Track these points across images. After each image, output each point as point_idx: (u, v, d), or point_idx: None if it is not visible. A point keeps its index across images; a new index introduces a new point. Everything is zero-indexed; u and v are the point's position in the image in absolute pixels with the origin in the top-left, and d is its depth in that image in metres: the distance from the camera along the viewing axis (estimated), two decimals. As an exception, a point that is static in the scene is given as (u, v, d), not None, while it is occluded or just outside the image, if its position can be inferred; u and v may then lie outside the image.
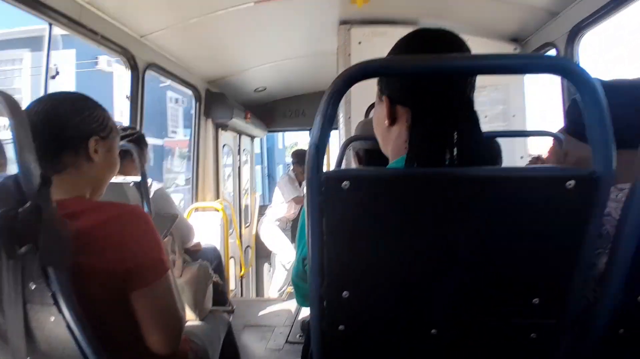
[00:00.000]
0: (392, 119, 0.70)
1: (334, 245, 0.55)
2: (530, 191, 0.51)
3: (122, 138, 1.62)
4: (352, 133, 2.31)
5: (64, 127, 0.82)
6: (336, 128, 2.69)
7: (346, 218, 0.54)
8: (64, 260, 0.69)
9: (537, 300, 0.57)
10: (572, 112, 0.86)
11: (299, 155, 4.06)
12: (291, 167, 4.15)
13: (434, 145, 0.58)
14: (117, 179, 1.57)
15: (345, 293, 0.58)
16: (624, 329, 0.63)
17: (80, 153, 0.84)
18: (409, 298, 0.59)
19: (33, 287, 0.69)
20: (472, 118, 0.61)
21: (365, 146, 1.85)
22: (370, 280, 0.58)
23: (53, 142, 0.81)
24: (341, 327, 0.60)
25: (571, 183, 0.49)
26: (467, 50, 0.67)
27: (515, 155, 2.32)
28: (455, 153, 0.58)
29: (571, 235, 0.52)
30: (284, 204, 3.90)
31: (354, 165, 2.24)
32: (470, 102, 0.62)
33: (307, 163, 0.51)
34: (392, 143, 0.72)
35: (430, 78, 0.61)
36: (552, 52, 2.07)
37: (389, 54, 0.72)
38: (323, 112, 0.49)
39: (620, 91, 0.77)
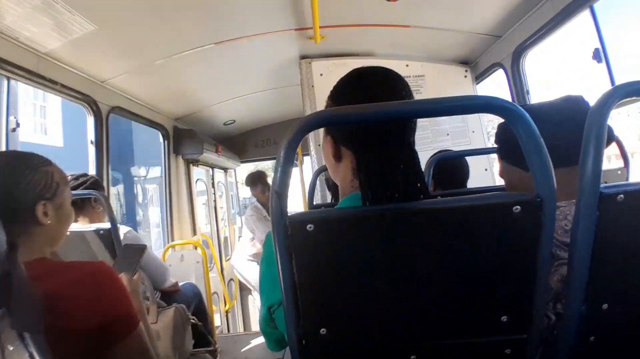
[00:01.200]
0: (338, 157, 0.73)
1: (306, 284, 0.57)
2: (481, 219, 0.55)
3: (77, 187, 1.58)
4: (324, 161, 2.36)
5: (6, 200, 0.79)
6: (307, 154, 2.74)
7: (315, 258, 0.56)
8: (37, 324, 0.68)
9: (505, 318, 0.60)
10: (501, 137, 0.91)
11: (253, 178, 3.74)
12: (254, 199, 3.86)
13: (384, 185, 0.61)
14: (80, 228, 1.53)
15: (323, 331, 0.59)
16: (594, 337, 0.67)
17: (29, 221, 0.81)
18: (386, 327, 0.61)
19: (11, 348, 0.68)
20: (414, 160, 0.65)
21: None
22: (346, 315, 0.60)
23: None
24: (322, 364, 0.61)
25: (517, 208, 0.54)
26: (406, 85, 0.71)
27: (480, 167, 2.43)
28: (402, 189, 0.61)
29: (524, 255, 0.56)
30: (255, 241, 3.60)
31: (327, 193, 2.28)
32: (411, 146, 0.66)
33: (271, 209, 0.53)
34: (340, 179, 0.75)
35: (372, 125, 0.65)
36: (500, 72, 2.22)
37: (332, 92, 0.75)
38: (281, 161, 0.52)
39: (554, 113, 0.83)
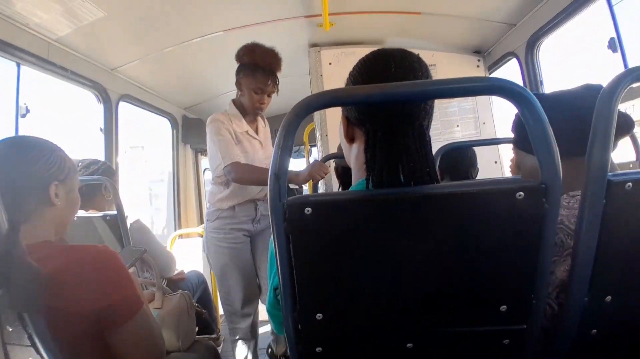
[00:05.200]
0: (351, 138, 0.72)
1: (303, 269, 0.56)
2: (484, 205, 0.53)
3: (89, 174, 1.60)
4: (330, 150, 2.34)
5: (23, 177, 0.82)
6: (315, 145, 2.72)
7: (312, 242, 0.55)
8: (37, 305, 0.69)
9: (504, 307, 0.59)
10: (518, 127, 0.89)
11: None
12: None
13: (388, 170, 0.59)
14: (89, 214, 1.56)
15: (319, 316, 0.59)
16: (596, 330, 0.66)
17: (42, 200, 0.84)
18: (382, 314, 0.60)
19: (10, 329, 0.69)
20: (424, 145, 0.63)
21: (343, 163, 1.89)
22: (343, 300, 0.59)
23: (13, 192, 0.80)
24: (318, 349, 0.61)
25: (521, 194, 0.52)
26: (424, 66, 0.68)
27: (490, 160, 2.39)
28: (407, 173, 0.60)
29: (527, 243, 0.55)
30: None
31: (335, 180, 2.27)
32: (422, 129, 0.64)
33: (269, 192, 0.52)
34: (353, 160, 0.74)
35: (381, 105, 0.63)
36: (514, 61, 2.16)
37: (350, 74, 0.73)
38: (280, 143, 0.51)
39: (573, 101, 0.80)
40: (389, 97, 0.51)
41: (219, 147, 1.67)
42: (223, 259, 1.78)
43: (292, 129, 0.51)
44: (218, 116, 1.74)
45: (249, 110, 1.78)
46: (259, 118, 1.90)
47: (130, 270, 1.29)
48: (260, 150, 1.85)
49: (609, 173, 0.58)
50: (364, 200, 0.54)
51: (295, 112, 0.50)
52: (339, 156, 1.75)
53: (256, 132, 1.86)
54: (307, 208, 0.52)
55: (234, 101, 1.82)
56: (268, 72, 1.69)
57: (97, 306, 0.77)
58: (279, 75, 1.74)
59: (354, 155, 0.73)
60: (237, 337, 1.84)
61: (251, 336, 1.85)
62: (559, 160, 0.53)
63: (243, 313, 1.81)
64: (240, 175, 1.65)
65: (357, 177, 0.73)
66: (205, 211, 3.45)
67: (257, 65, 1.68)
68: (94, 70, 2.05)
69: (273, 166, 0.52)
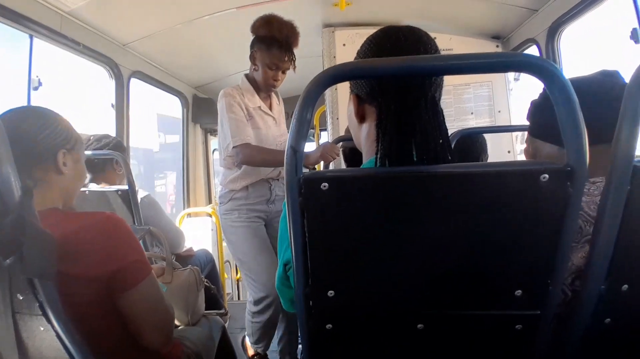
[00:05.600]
0: (361, 117, 0.71)
1: (316, 245, 0.55)
2: (505, 186, 0.52)
3: (101, 148, 1.61)
4: (340, 133, 2.32)
5: (32, 144, 0.82)
6: (325, 129, 2.70)
7: (327, 219, 0.54)
8: (49, 271, 0.70)
9: (519, 292, 0.58)
10: (535, 114, 0.86)
11: None
12: None
13: (401, 144, 0.58)
14: (101, 188, 1.57)
15: (330, 293, 0.58)
16: (610, 319, 0.64)
17: (50, 167, 0.85)
18: (394, 294, 0.60)
19: (21, 298, 0.70)
20: (437, 116, 0.61)
21: (350, 145, 1.87)
22: (355, 278, 0.59)
23: (22, 158, 0.80)
24: (329, 326, 0.61)
25: (545, 176, 0.51)
26: (432, 40, 0.68)
27: (503, 149, 2.35)
28: (420, 147, 0.59)
29: (548, 227, 0.53)
30: None
31: (343, 162, 2.26)
32: (434, 100, 0.62)
33: (286, 165, 0.51)
34: (363, 140, 0.73)
35: (394, 78, 0.62)
36: (534, 48, 2.10)
37: (358, 52, 0.72)
38: (298, 117, 0.50)
39: (590, 87, 0.78)
40: (413, 69, 0.49)
41: (229, 126, 1.60)
42: (243, 237, 1.68)
43: (311, 101, 0.50)
44: (230, 90, 1.65)
45: (262, 86, 1.69)
46: (273, 95, 1.82)
47: None
48: (274, 127, 1.76)
49: (635, 159, 0.56)
50: (379, 177, 0.53)
51: (317, 82, 0.48)
52: (348, 138, 1.73)
53: (270, 108, 1.78)
54: (323, 184, 0.51)
55: (247, 76, 1.73)
56: (285, 46, 1.59)
57: (106, 270, 0.79)
58: (295, 51, 1.65)
59: (365, 134, 0.72)
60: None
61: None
62: (587, 143, 0.51)
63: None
64: (248, 158, 1.59)
65: (367, 157, 0.72)
66: (214, 191, 3.50)
67: (274, 39, 1.57)
68: (106, 44, 2.04)
69: (290, 139, 0.51)
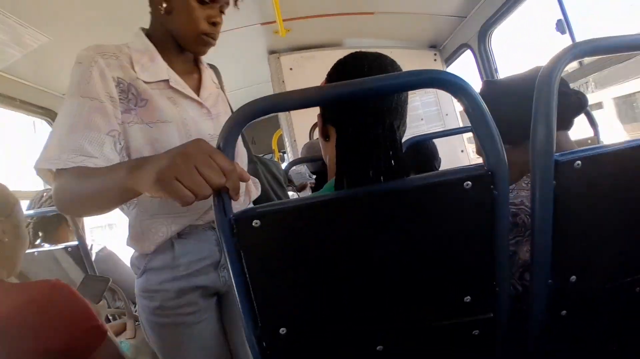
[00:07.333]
0: (325, 136, 0.73)
1: (259, 284, 0.54)
2: (433, 198, 0.53)
3: (45, 204, 1.52)
4: (299, 155, 2.33)
5: None
6: (284, 152, 2.70)
7: (265, 255, 0.53)
8: None
9: (468, 298, 0.58)
10: None
11: None
12: None
13: (356, 163, 0.58)
14: (48, 247, 1.48)
15: (282, 330, 0.57)
16: (566, 311, 0.65)
17: None
18: (348, 319, 0.59)
19: None
20: (393, 139, 0.61)
21: (312, 168, 1.87)
22: (305, 311, 0.57)
23: None
24: (286, 365, 0.59)
25: (468, 183, 0.52)
26: (397, 68, 0.70)
27: (456, 149, 2.44)
28: (376, 171, 0.58)
29: (481, 231, 0.54)
30: None
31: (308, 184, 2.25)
32: (392, 128, 0.62)
33: (215, 209, 0.50)
34: (328, 159, 0.74)
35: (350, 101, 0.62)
36: (468, 52, 2.22)
37: (329, 74, 0.72)
38: None
39: (523, 84, 0.81)
40: (330, 96, 0.50)
41: (62, 122, 0.79)
42: (171, 343, 0.91)
43: (232, 140, 0.49)
44: (99, 50, 0.84)
45: (184, 41, 0.89)
46: (201, 66, 0.98)
47: (101, 303, 1.24)
48: (207, 121, 0.91)
49: (556, 153, 0.57)
50: (311, 206, 0.52)
51: (232, 123, 0.48)
52: (305, 160, 1.73)
53: (197, 89, 0.94)
54: (255, 221, 0.50)
55: (145, 32, 0.92)
56: None
57: (59, 344, 0.73)
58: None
59: (330, 154, 0.73)
60: None
61: None
62: (502, 146, 0.53)
63: None
64: (60, 196, 0.73)
65: (331, 176, 0.72)
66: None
67: None
68: (44, 97, 1.97)
69: None
